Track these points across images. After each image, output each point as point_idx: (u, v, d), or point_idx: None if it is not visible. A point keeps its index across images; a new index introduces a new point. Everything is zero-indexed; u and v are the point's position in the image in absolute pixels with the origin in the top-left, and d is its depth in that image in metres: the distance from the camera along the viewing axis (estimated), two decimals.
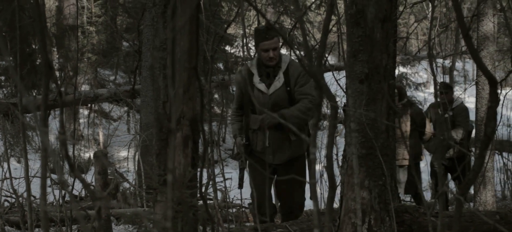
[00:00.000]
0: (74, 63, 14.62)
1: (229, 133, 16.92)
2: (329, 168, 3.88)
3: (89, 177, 11.82)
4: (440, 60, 22.83)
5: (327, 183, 3.89)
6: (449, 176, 9.69)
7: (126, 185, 10.29)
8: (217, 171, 6.76)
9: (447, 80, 21.42)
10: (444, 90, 9.92)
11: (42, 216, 4.03)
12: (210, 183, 5.31)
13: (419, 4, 19.14)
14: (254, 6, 2.80)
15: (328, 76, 8.98)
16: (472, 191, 9.99)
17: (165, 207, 4.80)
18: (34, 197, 7.93)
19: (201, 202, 4.96)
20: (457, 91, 21.16)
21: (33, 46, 13.77)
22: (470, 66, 23.13)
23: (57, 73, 15.88)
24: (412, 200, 9.61)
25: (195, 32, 4.79)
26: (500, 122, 4.02)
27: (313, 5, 16.81)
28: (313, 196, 3.89)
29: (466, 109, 9.82)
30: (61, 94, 3.36)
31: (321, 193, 9.81)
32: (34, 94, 13.42)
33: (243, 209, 8.49)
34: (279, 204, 6.80)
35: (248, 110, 6.47)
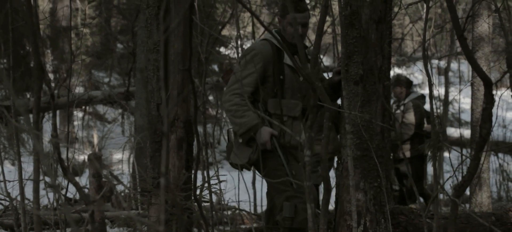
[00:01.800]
0: (67, 65, 14.59)
1: (225, 134, 16.89)
2: (324, 170, 3.87)
3: (84, 180, 11.79)
4: (435, 61, 22.84)
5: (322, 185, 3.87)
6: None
7: (121, 187, 10.26)
8: (212, 173, 6.72)
9: (442, 81, 21.44)
10: (395, 83, 9.68)
11: (35, 219, 4.00)
12: (205, 185, 5.29)
13: (414, 5, 19.15)
14: (248, 8, 2.78)
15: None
16: (467, 192, 9.97)
17: (159, 210, 4.77)
18: (28, 200, 7.89)
19: (196, 204, 4.95)
20: (452, 92, 21.18)
21: (27, 48, 13.74)
22: (465, 67, 23.15)
23: (51, 75, 15.86)
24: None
25: (188, 34, 4.77)
26: (495, 122, 4.01)
27: (308, 7, 16.79)
28: (308, 199, 3.88)
29: (418, 106, 9.66)
30: (53, 98, 3.34)
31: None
32: (28, 96, 13.39)
33: (239, 211, 8.45)
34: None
35: (281, 93, 5.19)
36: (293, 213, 4.86)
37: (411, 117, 9.44)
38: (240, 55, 5.55)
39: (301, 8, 5.25)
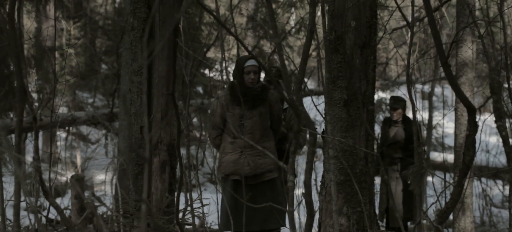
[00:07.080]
0: (51, 86, 14.53)
1: (209, 156, 16.85)
2: (307, 194, 3.85)
3: (66, 200, 11.71)
4: (419, 86, 22.94)
5: (305, 210, 3.85)
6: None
7: (104, 209, 10.19)
8: (195, 195, 6.67)
9: (426, 105, 21.53)
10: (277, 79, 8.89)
11: None
12: (188, 208, 5.26)
13: (399, 30, 19.24)
14: (232, 33, 2.77)
15: (307, 101, 8.96)
16: (451, 217, 9.97)
17: None
18: (10, 220, 7.83)
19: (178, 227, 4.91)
20: (436, 117, 21.26)
21: (12, 67, 13.67)
22: (449, 92, 23.26)
23: (35, 95, 15.77)
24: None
25: (173, 58, 4.77)
26: (479, 148, 4.01)
27: (293, 30, 16.84)
28: (291, 224, 3.85)
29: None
30: (36, 120, 3.31)
31: (299, 220, 9.77)
32: (11, 116, 13.30)
33: None
34: None
35: None
36: None
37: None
38: (224, 78, 5.38)
39: None
